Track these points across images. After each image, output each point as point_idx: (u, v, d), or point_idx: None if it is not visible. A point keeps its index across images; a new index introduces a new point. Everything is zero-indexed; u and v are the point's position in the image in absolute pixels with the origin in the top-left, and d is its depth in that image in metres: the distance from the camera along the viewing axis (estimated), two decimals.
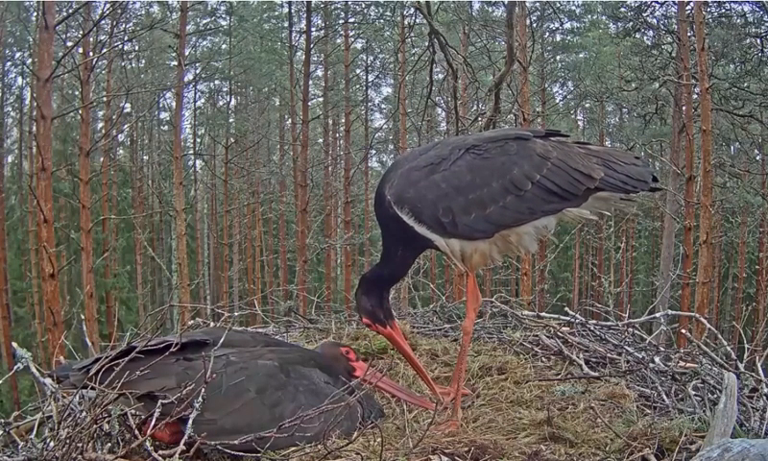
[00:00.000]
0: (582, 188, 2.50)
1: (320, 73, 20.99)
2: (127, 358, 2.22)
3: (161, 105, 22.17)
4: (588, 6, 18.82)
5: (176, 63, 15.29)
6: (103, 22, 13.22)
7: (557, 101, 22.09)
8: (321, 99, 21.09)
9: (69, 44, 13.55)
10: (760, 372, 2.81)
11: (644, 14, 12.96)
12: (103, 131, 17.43)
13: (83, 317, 5.22)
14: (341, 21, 18.44)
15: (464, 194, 2.42)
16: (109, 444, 2.26)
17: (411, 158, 2.59)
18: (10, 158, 23.26)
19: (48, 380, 2.53)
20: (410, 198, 2.44)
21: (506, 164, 2.46)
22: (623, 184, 2.53)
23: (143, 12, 18.28)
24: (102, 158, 18.37)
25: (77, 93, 18.68)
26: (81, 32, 13.71)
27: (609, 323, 3.64)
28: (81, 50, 12.57)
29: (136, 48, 19.42)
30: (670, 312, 4.18)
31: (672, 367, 2.94)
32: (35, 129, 10.77)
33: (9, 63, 20.34)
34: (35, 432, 2.45)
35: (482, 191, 2.43)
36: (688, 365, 3.00)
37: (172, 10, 17.22)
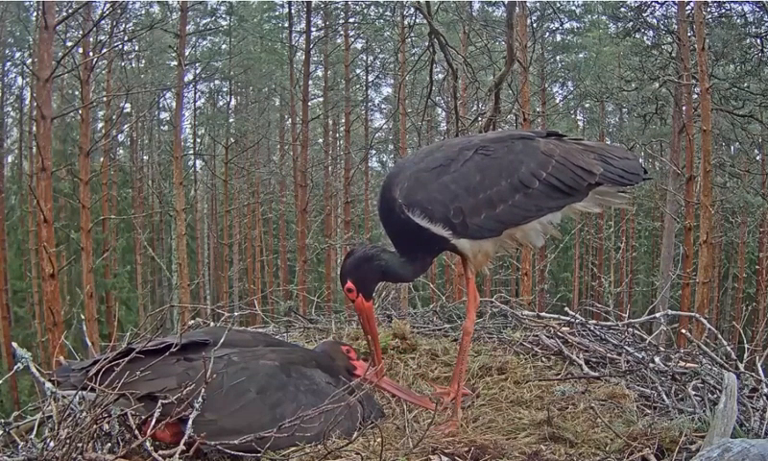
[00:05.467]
0: (584, 184, 2.57)
1: (320, 73, 21.02)
2: (127, 359, 2.22)
3: (161, 105, 22.22)
4: (588, 6, 18.82)
5: (176, 63, 15.30)
6: (103, 22, 13.22)
7: (557, 101, 22.10)
8: (321, 99, 21.11)
9: (69, 44, 13.56)
10: (760, 372, 2.81)
11: (644, 14, 12.97)
12: (103, 131, 17.43)
13: (83, 317, 5.23)
14: (341, 21, 18.44)
15: (474, 194, 2.43)
16: (109, 444, 2.26)
17: (416, 161, 2.56)
18: (10, 158, 23.28)
19: (48, 384, 2.53)
20: (420, 200, 2.42)
21: (514, 163, 2.49)
22: (620, 178, 2.62)
23: (143, 12, 18.30)
24: (102, 158, 18.36)
25: (77, 93, 18.70)
26: (81, 32, 13.69)
27: (609, 323, 3.63)
28: (81, 50, 12.56)
29: (136, 48, 19.43)
30: (670, 312, 4.17)
31: (672, 367, 2.93)
32: (35, 129, 10.77)
33: (9, 63, 20.36)
34: (35, 432, 2.45)
35: (491, 191, 2.44)
36: (688, 365, 3.00)
37: (172, 10, 17.26)
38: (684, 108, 12.64)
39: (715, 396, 2.59)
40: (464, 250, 2.54)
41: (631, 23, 13.15)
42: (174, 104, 16.08)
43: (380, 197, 2.58)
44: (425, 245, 2.54)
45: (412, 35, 13.93)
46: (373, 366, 2.68)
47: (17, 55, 20.65)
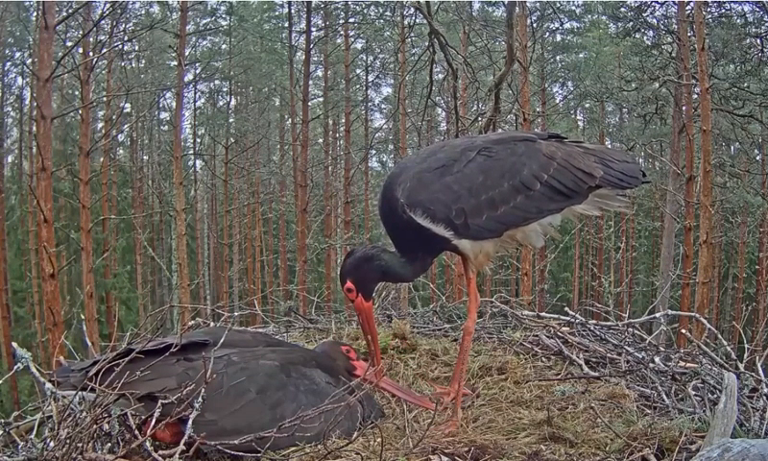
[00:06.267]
0: (585, 187, 2.59)
1: (320, 73, 21.04)
2: (127, 359, 2.22)
3: (161, 105, 22.22)
4: (588, 6, 18.80)
5: (176, 63, 15.29)
6: (103, 22, 13.22)
7: (557, 101, 22.10)
8: (321, 99, 21.13)
9: (69, 44, 13.57)
10: (760, 372, 2.81)
11: (644, 14, 12.97)
12: (103, 131, 17.43)
13: (83, 317, 5.24)
14: (341, 21, 18.44)
15: (476, 195, 2.44)
16: (109, 444, 2.26)
17: (419, 161, 2.56)
18: (10, 158, 23.29)
19: (48, 385, 2.52)
20: (422, 200, 2.42)
21: (516, 165, 2.50)
22: (620, 181, 2.64)
23: (143, 12, 18.30)
24: (102, 158, 18.35)
25: (77, 93, 18.70)
26: (81, 32, 13.71)
27: (609, 323, 3.64)
28: (81, 50, 12.57)
29: (136, 48, 19.44)
30: (670, 312, 4.17)
31: (672, 367, 2.94)
32: (35, 129, 10.77)
33: (9, 63, 20.36)
34: (35, 432, 2.45)
35: (493, 192, 2.45)
36: (688, 365, 3.00)
37: (172, 10, 17.27)
38: (684, 108, 12.64)
39: (715, 396, 2.59)
40: (465, 250, 2.54)
41: (631, 23, 13.15)
42: (174, 104, 16.10)
43: (381, 196, 2.57)
44: (426, 245, 2.54)
45: (412, 35, 13.94)
46: (373, 366, 2.68)
47: (17, 55, 20.67)
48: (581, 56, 20.72)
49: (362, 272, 2.54)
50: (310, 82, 16.20)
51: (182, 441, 2.02)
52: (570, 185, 2.54)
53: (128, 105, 19.54)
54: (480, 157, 2.49)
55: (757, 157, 17.65)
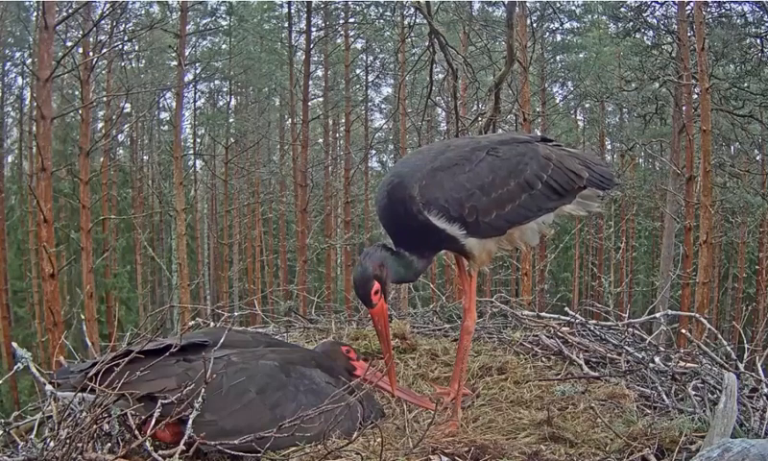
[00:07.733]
0: (575, 186, 2.70)
1: (320, 73, 21.05)
2: (127, 359, 2.22)
3: (161, 105, 22.17)
4: (588, 6, 18.80)
5: (176, 63, 15.30)
6: (103, 22, 13.21)
7: (557, 101, 22.09)
8: (321, 99, 21.13)
9: (69, 44, 13.56)
10: (760, 372, 2.81)
11: (644, 14, 12.96)
12: (103, 131, 17.43)
13: (83, 317, 5.25)
14: (341, 21, 18.44)
15: (487, 194, 2.48)
16: (109, 444, 2.26)
17: (429, 160, 2.53)
18: (10, 158, 23.29)
19: (48, 387, 2.52)
20: (438, 199, 2.42)
21: (520, 165, 2.57)
22: (601, 182, 2.80)
23: (143, 12, 18.29)
24: (102, 158, 18.35)
25: (77, 93, 18.70)
26: (81, 32, 13.70)
27: (609, 323, 3.64)
28: (81, 50, 12.56)
29: (136, 48, 19.41)
30: (670, 312, 4.17)
31: (672, 367, 2.94)
32: (35, 129, 10.77)
33: (9, 63, 20.35)
34: (35, 432, 2.45)
35: (502, 190, 2.51)
36: (688, 365, 3.00)
37: (172, 10, 17.26)
38: (684, 108, 12.63)
39: (715, 396, 2.59)
40: (471, 249, 2.55)
41: (631, 23, 13.15)
42: (174, 104, 16.09)
43: (387, 196, 2.50)
44: (433, 244, 2.55)
45: (412, 35, 13.91)
46: (385, 367, 2.65)
47: (17, 55, 20.66)
48: (581, 56, 20.72)
49: (384, 273, 2.48)
50: (310, 82, 16.20)
51: (182, 441, 2.02)
52: (564, 185, 2.65)
53: (128, 105, 19.53)
54: (489, 156, 2.53)
55: (757, 157, 17.63)
